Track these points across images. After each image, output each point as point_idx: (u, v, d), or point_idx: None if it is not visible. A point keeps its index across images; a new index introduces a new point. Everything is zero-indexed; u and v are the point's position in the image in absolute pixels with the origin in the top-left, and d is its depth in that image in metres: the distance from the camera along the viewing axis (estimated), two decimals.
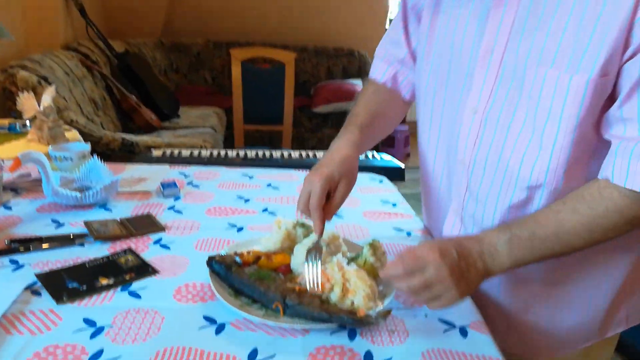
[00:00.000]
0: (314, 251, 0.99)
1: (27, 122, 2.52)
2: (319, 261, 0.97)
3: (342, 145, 1.11)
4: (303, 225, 1.12)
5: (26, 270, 1.03)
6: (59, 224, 1.24)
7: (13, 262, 1.06)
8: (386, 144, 5.18)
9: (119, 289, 0.99)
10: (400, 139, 5.29)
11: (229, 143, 4.17)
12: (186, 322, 0.90)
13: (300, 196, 1.05)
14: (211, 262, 0.99)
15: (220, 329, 0.88)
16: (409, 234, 1.31)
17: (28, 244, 1.12)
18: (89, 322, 0.88)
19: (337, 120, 4.67)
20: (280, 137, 4.16)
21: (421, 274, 0.85)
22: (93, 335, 0.85)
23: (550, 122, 0.90)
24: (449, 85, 1.08)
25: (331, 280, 0.94)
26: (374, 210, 1.44)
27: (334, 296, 0.92)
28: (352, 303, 0.91)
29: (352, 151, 1.10)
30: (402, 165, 2.31)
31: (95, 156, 1.46)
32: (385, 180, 1.70)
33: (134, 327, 0.87)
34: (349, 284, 0.93)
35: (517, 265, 0.90)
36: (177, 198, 1.45)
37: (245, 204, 1.44)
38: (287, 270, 1.03)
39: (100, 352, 0.81)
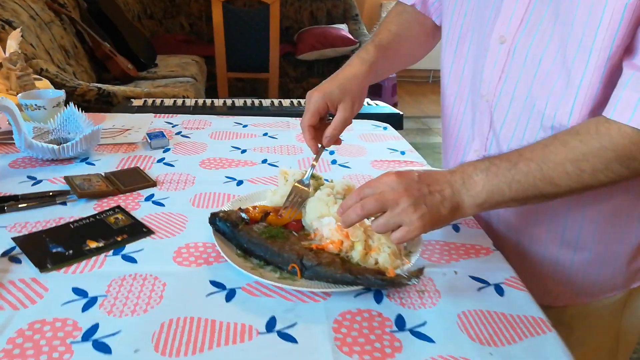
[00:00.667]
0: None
1: None
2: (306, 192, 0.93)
3: (352, 62, 1.01)
4: (314, 176, 1.00)
5: (1, 233, 0.91)
6: (35, 181, 1.11)
7: None
8: (373, 93, 5.02)
9: (110, 252, 0.87)
10: (387, 88, 5.12)
11: (211, 94, 3.96)
12: (191, 288, 0.79)
13: (303, 116, 0.96)
14: (214, 219, 0.88)
15: (230, 295, 0.78)
16: None
17: (2, 204, 0.99)
18: (79, 292, 0.77)
19: (323, 69, 4.48)
20: (265, 87, 3.97)
21: (373, 192, 0.78)
22: (85, 308, 0.74)
23: (581, 55, 0.80)
24: (477, 11, 0.97)
25: (352, 237, 0.84)
26: (382, 159, 1.33)
27: (356, 255, 0.82)
28: (376, 262, 0.82)
29: (363, 70, 0.99)
30: (401, 112, 2.18)
31: (72, 104, 1.30)
32: (390, 127, 1.59)
33: (132, 296, 0.77)
34: (371, 240, 0.84)
35: (494, 200, 0.78)
36: (166, 150, 1.31)
37: (242, 154, 1.31)
38: (299, 227, 0.92)
39: (95, 327, 0.70)
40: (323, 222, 0.87)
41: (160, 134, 1.35)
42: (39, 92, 1.43)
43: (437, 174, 0.79)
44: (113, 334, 0.69)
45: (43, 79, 2.52)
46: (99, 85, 2.78)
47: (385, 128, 1.58)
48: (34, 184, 1.09)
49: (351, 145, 1.41)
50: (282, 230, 0.87)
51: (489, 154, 0.99)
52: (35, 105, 1.34)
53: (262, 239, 0.83)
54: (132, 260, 0.85)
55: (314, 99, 0.93)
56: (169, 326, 0.71)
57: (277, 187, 1.01)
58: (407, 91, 5.70)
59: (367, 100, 2.34)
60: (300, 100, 2.35)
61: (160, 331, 0.70)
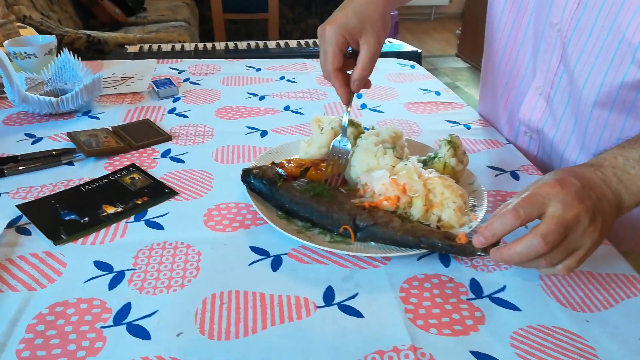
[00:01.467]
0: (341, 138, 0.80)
1: None
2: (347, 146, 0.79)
3: None
4: (352, 122, 0.88)
5: (4, 200, 0.79)
6: (35, 139, 0.98)
7: None
8: None
9: (132, 218, 0.76)
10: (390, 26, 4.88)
11: (205, 39, 3.74)
12: (231, 256, 0.69)
13: (320, 59, 0.78)
14: (248, 176, 0.77)
15: (276, 263, 0.68)
16: (467, 126, 1.09)
17: (1, 166, 0.87)
18: (102, 266, 0.67)
19: (322, 8, 4.23)
20: (262, 30, 3.74)
21: (539, 211, 0.57)
22: (113, 284, 0.64)
23: None
24: None
25: (409, 192, 0.73)
26: (416, 101, 1.20)
27: (416, 212, 0.72)
28: (439, 219, 0.72)
29: None
30: (419, 50, 2.02)
31: (66, 50, 1.16)
32: (418, 66, 1.45)
33: (165, 269, 0.66)
34: (432, 195, 0.73)
35: None
36: (176, 99, 1.18)
37: (261, 101, 1.18)
38: (343, 182, 0.82)
39: (127, 308, 0.60)
40: (374, 176, 0.76)
41: (168, 81, 1.21)
42: (28, 39, 1.27)
43: (584, 171, 0.61)
44: (149, 315, 0.59)
45: (27, 26, 2.32)
46: (88, 32, 2.58)
47: (413, 66, 1.44)
48: (33, 142, 0.97)
49: (380, 87, 1.28)
50: (326, 187, 0.76)
51: (555, 92, 0.87)
52: (25, 53, 1.19)
53: (306, 198, 0.72)
54: (158, 226, 0.75)
55: (329, 35, 0.74)
56: (212, 303, 0.61)
57: (310, 137, 0.89)
58: (409, 29, 5.45)
59: None
60: (309, 40, 2.18)
61: (203, 309, 0.60)
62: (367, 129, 0.89)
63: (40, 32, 2.40)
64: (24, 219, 0.75)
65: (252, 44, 2.11)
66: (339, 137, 0.82)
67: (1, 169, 0.85)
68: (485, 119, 1.12)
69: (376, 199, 0.74)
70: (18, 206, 0.77)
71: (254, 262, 0.68)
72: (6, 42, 1.21)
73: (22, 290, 0.62)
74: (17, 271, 0.65)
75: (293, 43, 2.13)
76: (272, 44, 2.12)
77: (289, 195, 0.73)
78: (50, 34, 2.48)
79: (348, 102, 0.79)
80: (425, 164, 0.81)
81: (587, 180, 0.60)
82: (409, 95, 1.23)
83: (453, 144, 0.80)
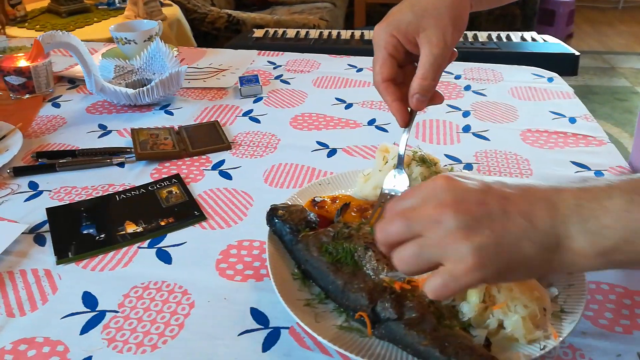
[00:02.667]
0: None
1: None
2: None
3: None
4: (424, 160, 0.69)
5: (42, 200, 0.77)
6: (105, 131, 0.96)
7: (32, 185, 0.80)
8: (542, 22, 4.21)
9: (146, 243, 0.68)
10: (562, 15, 4.26)
11: (349, 22, 3.63)
12: (223, 317, 0.57)
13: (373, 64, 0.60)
14: (273, 217, 0.63)
15: (271, 339, 0.54)
16: (599, 174, 0.81)
17: (56, 159, 0.86)
18: (89, 300, 0.60)
19: None
20: None
21: (408, 205, 0.43)
22: (86, 328, 0.56)
23: None
24: None
25: None
26: (539, 128, 0.94)
27: (468, 309, 0.52)
28: (500, 324, 0.51)
29: None
30: (577, 52, 1.66)
31: (158, 39, 1.12)
32: (558, 78, 1.15)
33: (147, 319, 0.57)
34: (495, 289, 0.52)
35: (632, 249, 0.39)
36: (257, 99, 1.08)
37: (346, 110, 1.03)
38: None
39: None
40: None
41: (254, 79, 1.11)
42: (133, 24, 1.27)
43: (529, 186, 0.43)
44: None
45: (173, 4, 2.44)
46: (230, 11, 2.64)
47: (551, 79, 1.15)
48: (101, 136, 0.95)
49: (495, 103, 1.03)
50: (355, 247, 0.59)
51: None
52: (126, 38, 1.19)
53: (322, 263, 0.57)
54: (166, 258, 0.66)
55: (377, 36, 0.57)
56: None
57: (372, 169, 0.72)
58: (588, 19, 4.70)
59: (531, 34, 1.83)
60: None
61: None
62: (446, 166, 0.69)
63: (186, 10, 2.51)
64: (46, 226, 0.71)
65: None
66: (394, 172, 0.64)
67: (54, 164, 0.84)
68: (634, 167, 0.83)
69: (418, 276, 0.55)
70: (48, 210, 0.74)
71: (246, 331, 0.55)
72: (112, 26, 1.22)
73: (2, 315, 0.58)
74: (9, 289, 0.61)
75: None
76: None
77: (307, 253, 0.58)
78: (196, 12, 2.59)
79: (407, 124, 0.60)
80: None
81: (508, 189, 0.42)
82: (533, 120, 0.97)
83: None
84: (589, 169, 0.82)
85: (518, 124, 0.96)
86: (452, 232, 0.39)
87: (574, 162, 0.84)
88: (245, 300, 0.59)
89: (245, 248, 0.67)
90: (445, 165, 0.74)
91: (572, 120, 0.97)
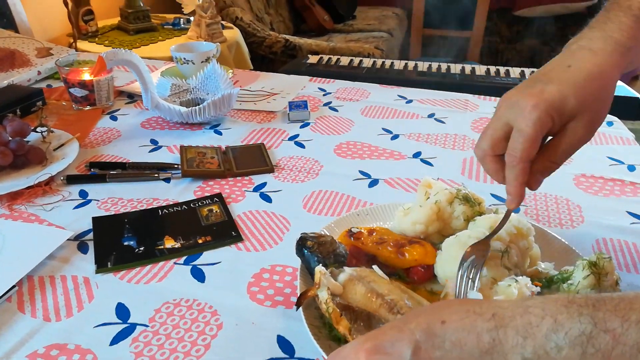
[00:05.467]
0: (476, 254, 0.56)
1: (191, 19, 2.37)
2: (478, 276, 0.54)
3: (592, 45, 0.55)
4: (467, 199, 0.67)
5: (89, 208, 0.80)
6: (156, 146, 1.00)
7: (82, 194, 0.84)
8: None
9: (182, 260, 0.69)
10: None
11: (404, 53, 3.64)
12: (248, 342, 0.57)
13: (484, 134, 0.57)
14: (302, 246, 0.63)
15: None
16: None
17: (107, 170, 0.89)
18: (122, 311, 0.61)
19: (545, 28, 3.75)
20: (467, 48, 3.48)
21: None
22: (116, 340, 0.57)
23: None
24: None
25: None
26: (594, 174, 0.90)
27: None
28: None
29: (613, 60, 0.54)
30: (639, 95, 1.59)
31: (214, 61, 1.16)
32: (618, 122, 1.10)
33: (174, 336, 0.57)
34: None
35: None
36: (304, 124, 1.09)
37: (392, 142, 1.02)
38: (425, 277, 0.62)
39: None
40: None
41: (303, 104, 1.13)
42: (192, 45, 1.33)
43: (454, 327, 0.38)
44: None
45: (234, 27, 2.53)
46: (287, 36, 2.70)
47: (610, 123, 1.10)
48: (151, 150, 0.98)
49: None
50: (387, 284, 0.57)
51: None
52: (184, 59, 1.24)
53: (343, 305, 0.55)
54: (200, 276, 0.66)
55: (530, 111, 0.52)
56: None
57: (412, 204, 0.71)
58: None
59: None
60: (502, 68, 1.89)
61: None
62: (490, 207, 0.67)
63: (246, 33, 2.60)
64: (90, 235, 0.74)
65: (434, 65, 1.92)
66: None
67: (104, 175, 0.87)
68: None
69: None
70: (93, 219, 0.77)
71: (271, 359, 0.55)
72: (172, 46, 1.27)
73: (39, 318, 0.60)
74: (49, 293, 0.63)
75: (482, 69, 1.88)
76: (457, 67, 1.90)
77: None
78: (255, 35, 2.67)
79: (518, 205, 0.57)
80: (547, 287, 0.56)
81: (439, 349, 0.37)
82: (587, 164, 0.93)
83: (598, 268, 0.53)
84: None
85: (572, 167, 0.92)
86: None
87: (630, 213, 0.79)
88: (274, 327, 0.58)
89: (278, 273, 0.67)
90: (490, 206, 0.71)
91: (631, 168, 0.92)
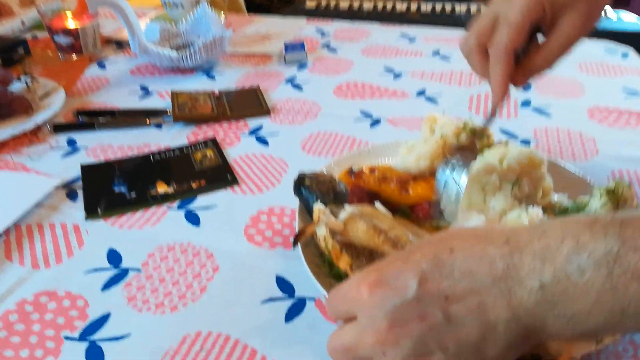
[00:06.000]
0: (461, 156, 0.55)
1: None
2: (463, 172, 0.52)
3: None
4: (475, 132, 0.63)
5: (78, 156, 0.76)
6: (145, 93, 0.95)
7: (70, 142, 0.80)
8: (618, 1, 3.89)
9: (175, 204, 0.66)
10: None
11: None
12: (246, 283, 0.54)
13: (471, 28, 0.56)
14: (300, 185, 0.59)
15: (296, 310, 0.51)
16: None
17: (96, 118, 0.85)
18: (113, 256, 0.58)
19: None
20: None
21: (345, 338, 0.37)
22: (108, 285, 0.54)
23: None
24: None
25: None
26: (608, 106, 0.85)
27: None
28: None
29: None
30: None
31: (205, 3, 1.10)
32: (634, 53, 1.04)
33: (168, 280, 0.55)
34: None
35: (620, 328, 0.33)
36: (302, 66, 1.04)
37: (395, 80, 0.97)
38: (430, 213, 0.58)
39: (102, 320, 0.50)
40: (470, 222, 0.51)
41: (299, 46, 1.07)
42: None
43: (477, 258, 0.33)
44: (117, 339, 0.48)
45: None
46: None
47: (625, 55, 1.04)
48: (142, 97, 0.94)
49: (561, 78, 0.94)
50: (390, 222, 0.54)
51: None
52: (173, 2, 1.17)
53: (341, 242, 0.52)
54: (195, 220, 0.63)
55: (520, 3, 0.51)
56: (191, 344, 0.48)
57: (416, 141, 0.67)
58: None
59: (605, 9, 1.68)
60: None
61: (177, 350, 0.47)
62: (500, 141, 0.63)
63: None
64: (79, 182, 0.70)
65: (438, 6, 1.84)
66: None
67: (92, 123, 0.83)
68: None
69: None
70: (82, 166, 0.73)
71: (270, 300, 0.52)
72: None
73: (27, 266, 0.57)
74: (37, 241, 0.60)
75: None
76: (461, 7, 1.82)
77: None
78: None
79: (501, 100, 0.56)
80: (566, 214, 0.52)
81: (447, 275, 0.33)
82: (602, 97, 0.87)
83: (616, 196, 0.50)
84: None
85: (585, 100, 0.87)
86: None
87: None
88: (272, 268, 0.56)
89: (275, 215, 0.64)
90: (500, 141, 0.67)
91: None
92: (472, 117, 0.77)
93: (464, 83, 0.94)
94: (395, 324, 0.33)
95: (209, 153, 0.76)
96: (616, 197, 0.49)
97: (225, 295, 0.53)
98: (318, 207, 0.54)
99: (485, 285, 0.33)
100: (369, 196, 0.61)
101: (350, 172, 0.63)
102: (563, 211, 0.53)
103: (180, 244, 0.59)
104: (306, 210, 0.58)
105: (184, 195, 0.67)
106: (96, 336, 0.49)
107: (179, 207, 0.66)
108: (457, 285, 0.33)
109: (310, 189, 0.57)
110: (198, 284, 0.54)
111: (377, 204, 0.56)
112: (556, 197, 0.58)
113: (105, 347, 0.48)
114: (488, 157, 0.57)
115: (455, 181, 0.56)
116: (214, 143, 0.79)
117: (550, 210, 0.55)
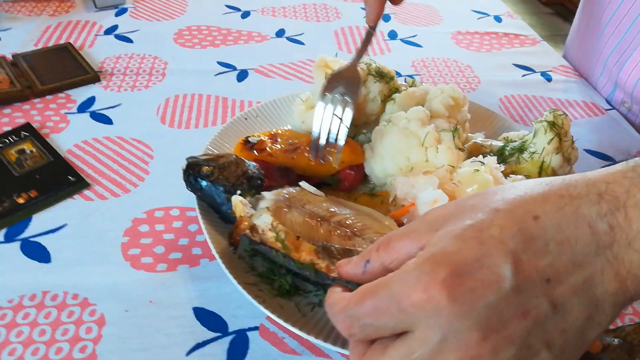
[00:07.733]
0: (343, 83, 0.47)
1: None
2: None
3: None
4: (381, 74, 0.54)
5: None
6: None
7: None
8: None
9: (1, 236, 0.45)
10: None
11: None
12: (157, 335, 0.38)
13: None
14: (195, 175, 0.44)
15: (238, 347, 0.38)
16: (547, 77, 0.73)
17: None
18: None
19: None
20: None
21: (393, 325, 0.26)
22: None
23: None
24: None
25: None
26: (468, 30, 0.84)
27: None
28: None
29: None
30: None
31: None
32: None
33: (30, 355, 0.36)
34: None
35: None
36: (121, 11, 0.81)
37: (244, 20, 0.81)
38: (357, 179, 0.49)
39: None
40: (421, 198, 0.43)
41: None
42: None
43: (576, 225, 0.25)
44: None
45: None
46: None
47: None
48: None
49: (415, 5, 0.90)
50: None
51: None
52: None
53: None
54: (39, 255, 0.43)
55: None
56: None
57: (311, 92, 0.55)
58: None
59: None
60: None
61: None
62: (405, 82, 0.55)
63: None
64: None
65: None
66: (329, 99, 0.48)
67: None
68: (574, 67, 0.76)
69: None
70: None
71: (197, 346, 0.38)
72: None
73: None
74: None
75: None
76: None
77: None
78: None
79: (378, 19, 0.51)
80: (504, 161, 0.47)
81: (542, 252, 0.25)
82: (458, 21, 0.86)
83: (557, 127, 0.46)
84: (533, 71, 0.74)
85: (445, 26, 0.84)
86: None
87: (517, 65, 0.75)
88: (185, 300, 0.41)
89: (159, 220, 0.47)
90: (402, 81, 0.59)
91: (498, 18, 0.88)
92: (345, 56, 0.68)
93: (322, 18, 0.84)
94: (491, 330, 0.24)
95: (28, 147, 0.54)
96: (557, 130, 0.46)
97: (129, 357, 0.37)
98: (236, 199, 0.40)
99: (589, 255, 0.25)
100: (280, 173, 0.49)
101: (248, 144, 0.50)
102: (498, 153, 0.49)
103: (30, 296, 0.40)
104: (212, 209, 0.44)
105: (10, 220, 0.46)
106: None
107: (7, 239, 0.44)
108: (557, 262, 0.25)
109: (213, 178, 0.42)
110: (81, 353, 0.37)
111: (304, 184, 0.44)
112: (479, 138, 0.53)
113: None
114: (412, 107, 0.49)
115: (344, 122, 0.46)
116: (29, 131, 0.56)
117: (480, 152, 0.50)
